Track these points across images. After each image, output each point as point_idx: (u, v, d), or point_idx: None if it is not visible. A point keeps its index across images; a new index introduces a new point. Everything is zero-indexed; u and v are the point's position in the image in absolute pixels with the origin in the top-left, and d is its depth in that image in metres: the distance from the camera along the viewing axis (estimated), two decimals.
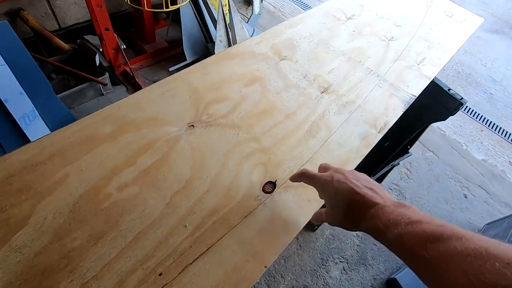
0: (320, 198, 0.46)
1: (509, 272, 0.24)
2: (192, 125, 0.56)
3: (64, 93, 1.42)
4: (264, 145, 0.57)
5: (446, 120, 0.86)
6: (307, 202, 0.51)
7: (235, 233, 0.45)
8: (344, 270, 1.32)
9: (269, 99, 0.65)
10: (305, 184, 0.47)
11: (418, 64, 0.83)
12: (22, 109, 1.21)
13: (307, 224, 0.49)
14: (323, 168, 0.48)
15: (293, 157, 0.56)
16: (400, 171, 1.79)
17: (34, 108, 1.24)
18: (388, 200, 0.38)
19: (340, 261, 1.35)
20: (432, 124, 0.92)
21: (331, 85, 0.71)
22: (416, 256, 0.31)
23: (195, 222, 0.45)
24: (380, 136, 0.64)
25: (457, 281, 0.26)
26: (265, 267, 0.43)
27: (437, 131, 2.04)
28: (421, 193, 1.72)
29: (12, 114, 1.18)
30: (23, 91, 1.20)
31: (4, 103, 1.14)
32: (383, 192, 0.40)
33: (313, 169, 0.55)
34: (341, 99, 0.69)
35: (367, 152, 0.60)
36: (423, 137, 2.04)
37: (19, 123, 1.16)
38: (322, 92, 0.69)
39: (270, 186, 0.52)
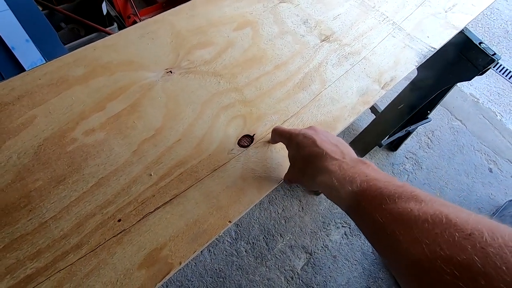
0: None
1: (469, 244, 0.19)
2: (170, 71, 0.52)
3: (73, 42, 1.40)
4: (246, 96, 0.52)
5: (482, 87, 0.75)
6: (285, 160, 0.47)
7: (202, 186, 0.43)
8: (345, 235, 1.31)
9: (260, 46, 0.58)
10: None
11: (446, 12, 0.71)
12: (30, 57, 1.21)
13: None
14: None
15: (277, 110, 0.51)
16: (420, 140, 1.67)
17: (42, 56, 1.24)
18: (349, 156, 0.34)
19: (343, 226, 1.34)
20: (466, 91, 0.80)
21: (334, 33, 0.62)
22: (368, 218, 0.27)
23: (161, 171, 0.43)
24: (384, 92, 0.56)
25: (408, 250, 0.22)
26: (229, 222, 0.41)
27: (469, 98, 1.84)
28: (440, 164, 1.61)
29: (21, 62, 1.18)
30: (29, 38, 1.19)
31: (12, 50, 1.15)
32: (347, 150, 0.36)
33: (298, 124, 0.50)
34: (343, 49, 0.60)
35: (364, 110, 0.54)
36: (451, 103, 1.87)
37: None
38: (323, 41, 0.61)
39: (247, 140, 0.48)
